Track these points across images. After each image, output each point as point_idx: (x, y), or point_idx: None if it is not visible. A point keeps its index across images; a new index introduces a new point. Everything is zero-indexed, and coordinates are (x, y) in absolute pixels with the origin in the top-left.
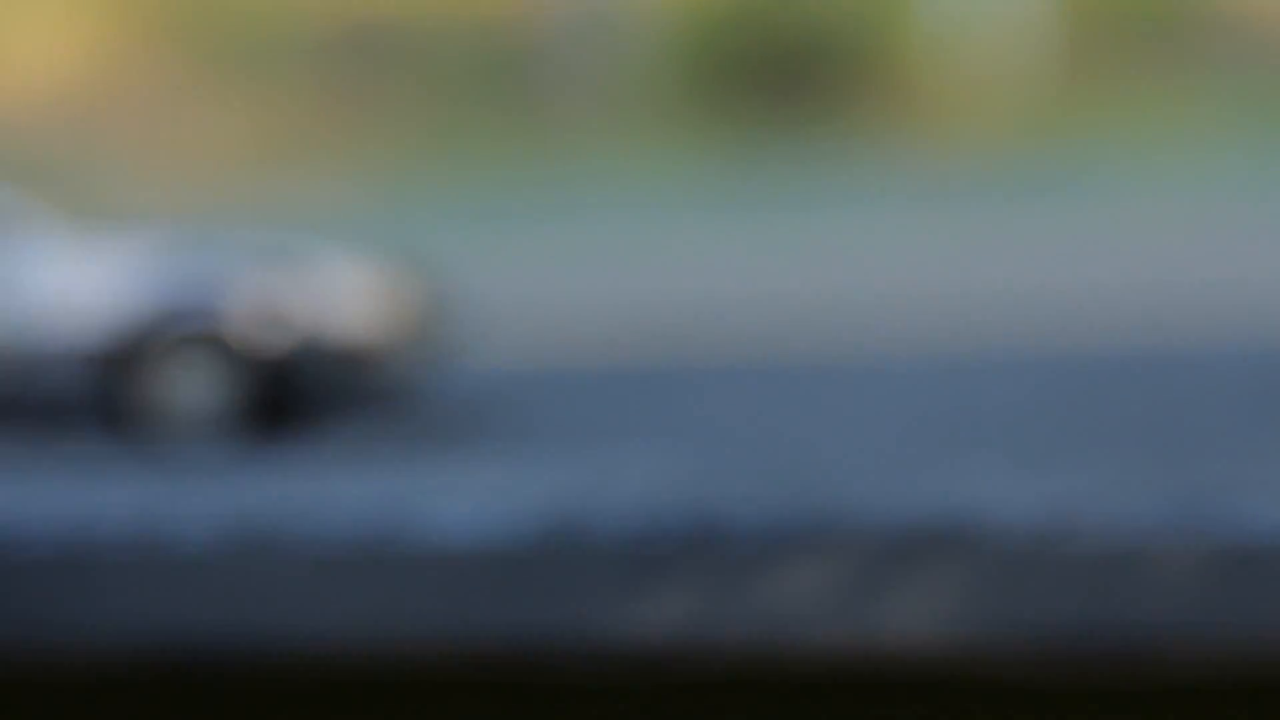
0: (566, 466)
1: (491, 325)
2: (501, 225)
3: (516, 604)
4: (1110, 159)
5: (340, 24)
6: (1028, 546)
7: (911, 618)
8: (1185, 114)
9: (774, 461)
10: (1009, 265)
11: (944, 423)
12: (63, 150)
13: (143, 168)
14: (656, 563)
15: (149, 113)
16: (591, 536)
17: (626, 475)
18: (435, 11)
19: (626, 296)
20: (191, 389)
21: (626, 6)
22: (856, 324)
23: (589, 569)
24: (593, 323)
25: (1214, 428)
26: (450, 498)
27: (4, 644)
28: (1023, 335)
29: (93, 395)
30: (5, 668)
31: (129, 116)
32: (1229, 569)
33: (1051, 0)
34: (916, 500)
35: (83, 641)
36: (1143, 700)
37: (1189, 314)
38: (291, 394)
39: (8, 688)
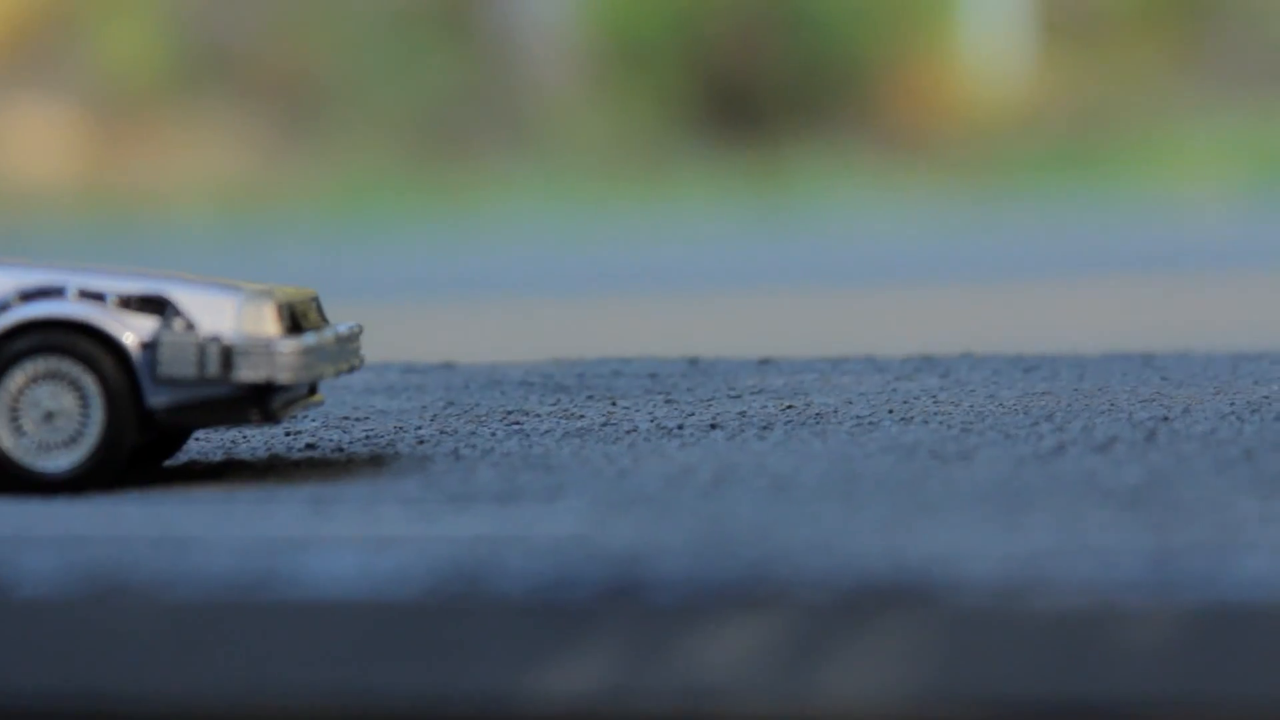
0: (467, 510)
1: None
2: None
3: (403, 661)
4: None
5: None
6: (988, 603)
7: (856, 683)
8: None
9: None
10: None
11: (900, 463)
12: None
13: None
14: (566, 617)
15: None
16: (492, 586)
17: (537, 523)
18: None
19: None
20: (58, 403)
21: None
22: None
23: (487, 623)
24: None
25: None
26: (333, 545)
27: None
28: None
29: None
30: None
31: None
32: (1208, 629)
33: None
34: (864, 550)
35: None
36: None
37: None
38: (162, 421)
39: None
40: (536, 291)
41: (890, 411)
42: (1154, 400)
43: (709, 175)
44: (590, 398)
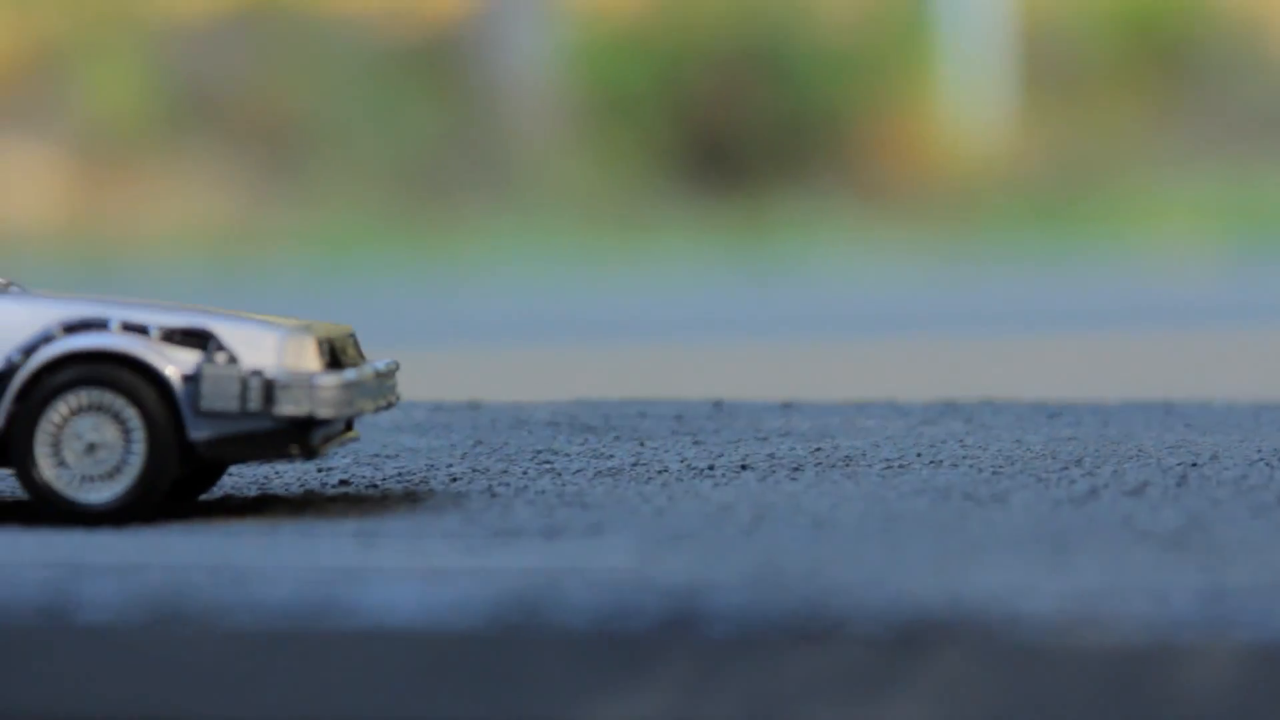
0: (526, 541)
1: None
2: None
3: (463, 692)
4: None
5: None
6: (1039, 639)
7: (913, 716)
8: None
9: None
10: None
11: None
12: None
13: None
14: (625, 648)
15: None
16: (553, 617)
17: (595, 555)
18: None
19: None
20: (99, 435)
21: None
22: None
23: (547, 654)
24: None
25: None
26: (388, 576)
27: None
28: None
29: None
30: None
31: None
32: (1263, 667)
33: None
34: (916, 586)
35: None
36: None
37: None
38: (203, 454)
39: None
40: (519, 337)
41: (919, 455)
42: (1180, 447)
43: (692, 224)
44: (617, 438)
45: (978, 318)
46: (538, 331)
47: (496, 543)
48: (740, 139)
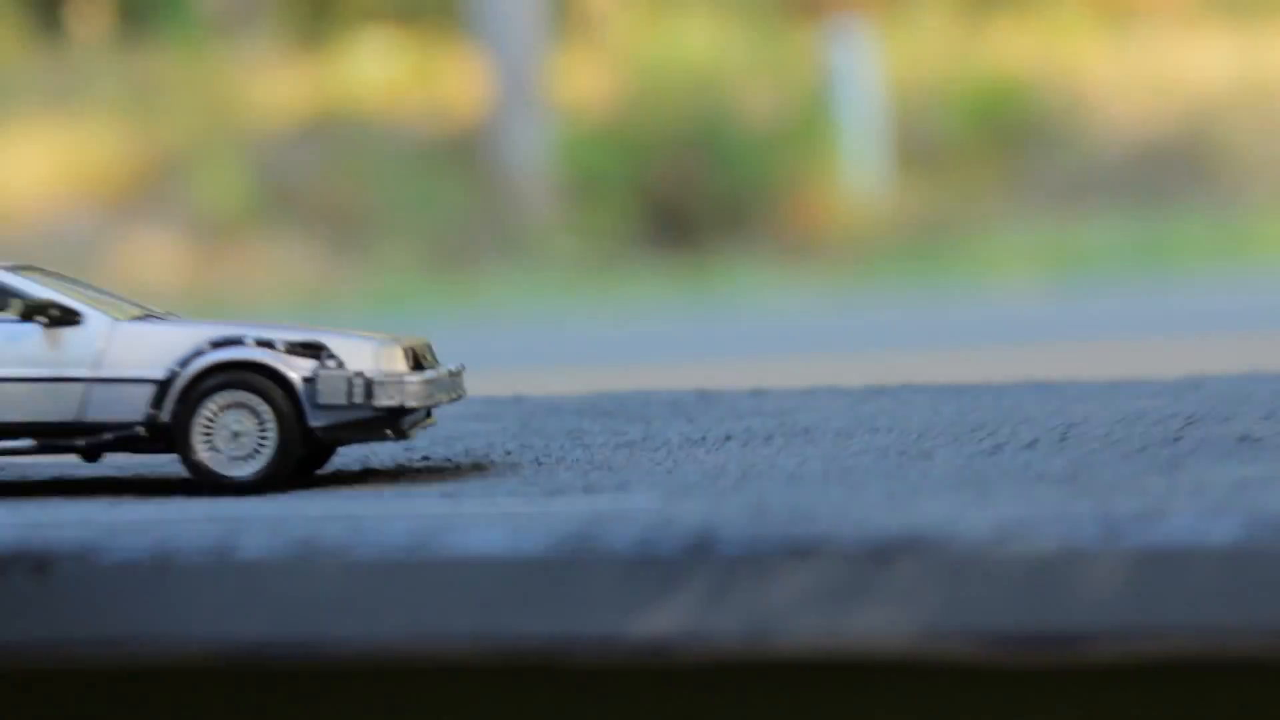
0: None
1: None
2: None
3: (542, 603)
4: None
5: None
6: (975, 552)
7: (879, 611)
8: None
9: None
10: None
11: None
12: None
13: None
14: (659, 565)
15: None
16: (602, 546)
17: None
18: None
19: None
20: (241, 426)
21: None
22: None
23: (601, 572)
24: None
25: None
26: (473, 520)
27: (98, 637)
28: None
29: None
30: (98, 657)
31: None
32: (1146, 571)
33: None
34: (875, 517)
35: (164, 636)
36: (1072, 676)
37: None
38: (320, 439)
39: (98, 675)
40: (529, 359)
41: (859, 425)
42: (1058, 413)
43: (655, 274)
44: (629, 419)
45: (870, 336)
46: (543, 354)
47: (549, 496)
48: (690, 208)
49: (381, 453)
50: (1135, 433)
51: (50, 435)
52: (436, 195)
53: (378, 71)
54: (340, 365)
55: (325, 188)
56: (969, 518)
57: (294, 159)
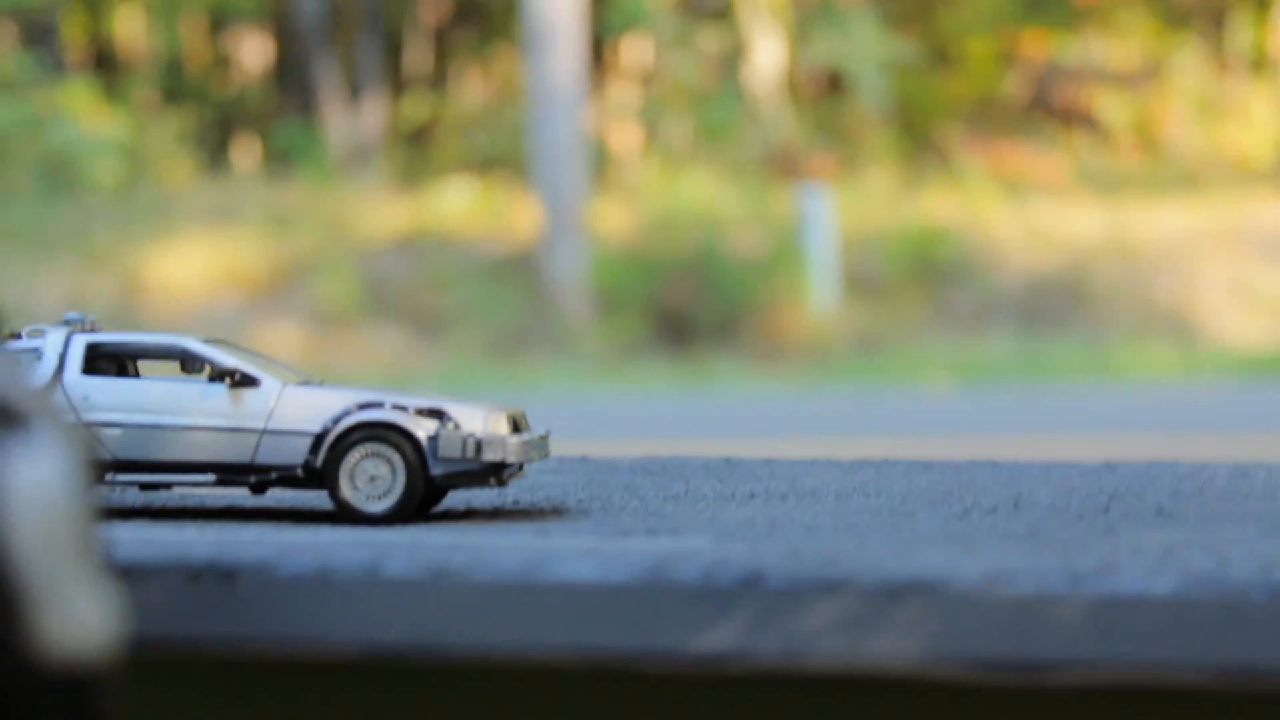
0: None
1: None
2: None
3: (623, 621)
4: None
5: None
6: (968, 594)
7: (890, 639)
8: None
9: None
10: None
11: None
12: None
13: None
14: (717, 595)
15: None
16: (671, 577)
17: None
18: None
19: None
20: (377, 471)
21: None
22: None
23: (672, 599)
24: None
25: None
26: (565, 553)
27: (273, 635)
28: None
29: (311, 465)
30: (272, 652)
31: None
32: (1104, 615)
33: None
34: (885, 561)
35: (324, 637)
36: (1044, 695)
37: None
38: (438, 484)
39: (270, 666)
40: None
41: (854, 489)
42: (1007, 486)
43: (662, 367)
44: (671, 478)
45: (823, 421)
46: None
47: (621, 536)
48: (690, 317)
49: (480, 497)
50: (1073, 503)
51: (228, 473)
52: (498, 300)
53: (457, 205)
54: (457, 427)
55: (413, 291)
56: (960, 566)
57: (390, 268)
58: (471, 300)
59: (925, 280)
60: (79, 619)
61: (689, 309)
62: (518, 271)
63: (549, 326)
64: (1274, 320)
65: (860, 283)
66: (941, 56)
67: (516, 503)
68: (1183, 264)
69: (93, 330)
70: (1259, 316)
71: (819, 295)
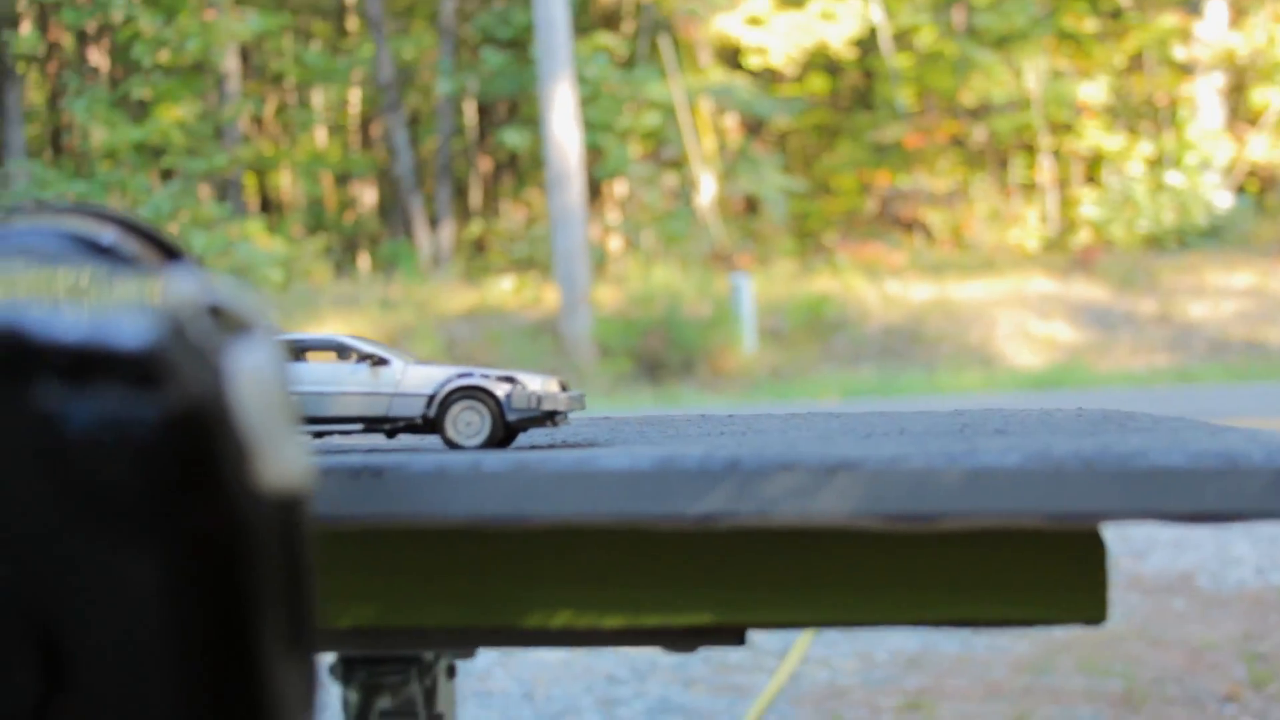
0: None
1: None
2: None
3: (646, 495)
4: None
5: None
6: (880, 470)
7: (830, 501)
8: None
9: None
10: None
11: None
12: None
13: None
14: (709, 475)
15: None
16: (680, 465)
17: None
18: None
19: None
20: (471, 419)
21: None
22: None
23: (680, 478)
24: None
25: None
26: (608, 453)
27: (407, 513)
28: None
29: (428, 419)
30: (406, 523)
31: None
32: (971, 480)
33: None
34: (824, 451)
35: (441, 511)
36: (926, 537)
37: None
38: (513, 427)
39: (404, 534)
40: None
41: (791, 428)
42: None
43: (644, 392)
44: (667, 426)
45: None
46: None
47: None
48: (660, 359)
49: (538, 436)
50: (937, 427)
51: (371, 423)
52: (532, 352)
53: (504, 291)
54: (524, 387)
55: (476, 348)
56: (873, 453)
57: (461, 333)
58: (515, 353)
59: (816, 331)
60: (286, 463)
61: (660, 354)
62: (545, 333)
63: (569, 368)
64: (1044, 352)
65: (772, 334)
66: (823, 187)
67: (565, 441)
68: (984, 317)
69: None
70: (1035, 350)
71: (746, 343)
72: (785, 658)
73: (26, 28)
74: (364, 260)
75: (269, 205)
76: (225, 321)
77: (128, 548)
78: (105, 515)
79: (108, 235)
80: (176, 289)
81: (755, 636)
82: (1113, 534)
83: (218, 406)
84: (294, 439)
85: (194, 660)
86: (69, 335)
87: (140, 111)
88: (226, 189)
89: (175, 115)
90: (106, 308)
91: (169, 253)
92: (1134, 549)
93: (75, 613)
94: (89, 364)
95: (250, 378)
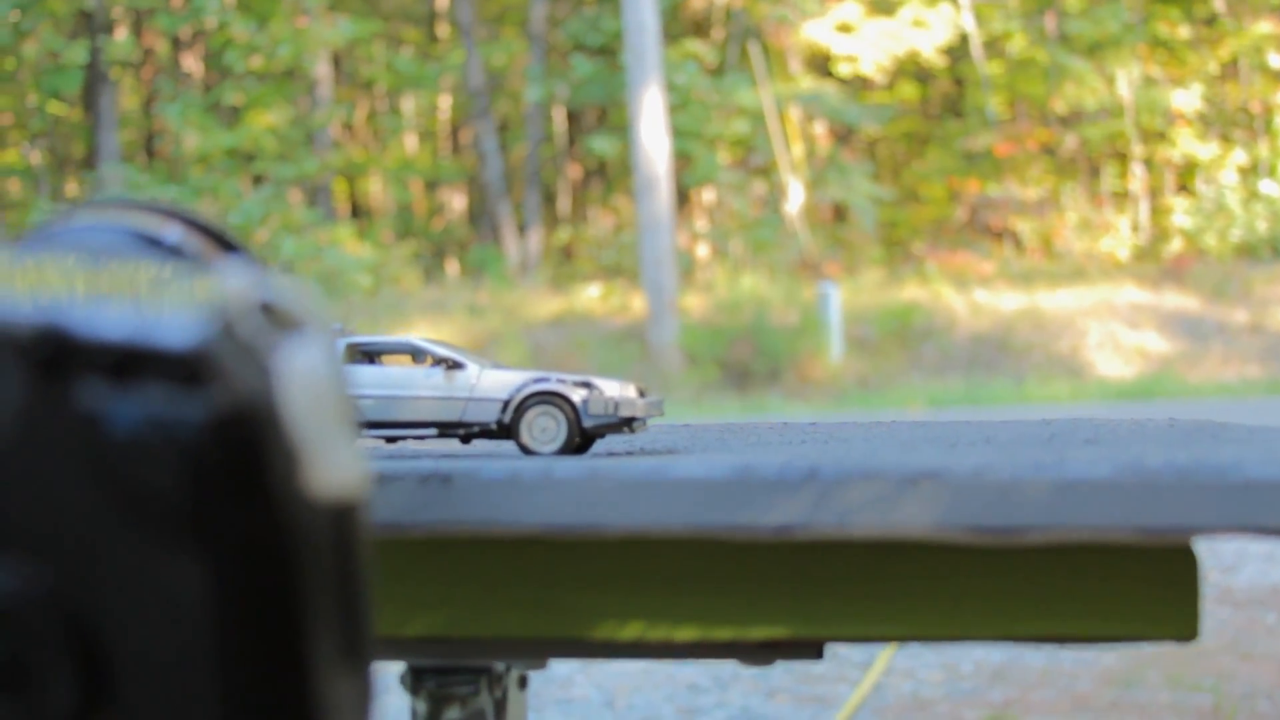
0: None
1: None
2: None
3: (723, 504)
4: None
5: None
6: (964, 481)
7: (911, 513)
8: None
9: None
10: None
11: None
12: None
13: None
14: (788, 485)
15: None
16: (758, 474)
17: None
18: None
19: None
20: (546, 424)
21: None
22: None
23: (757, 488)
24: None
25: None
26: (683, 462)
27: (477, 519)
28: None
29: (502, 424)
30: (475, 532)
31: None
32: (1058, 492)
33: None
34: (907, 460)
35: (511, 518)
36: (1016, 551)
37: None
38: (589, 433)
39: (473, 542)
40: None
41: (874, 438)
42: (980, 431)
43: (730, 401)
44: (749, 434)
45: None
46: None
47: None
48: (747, 366)
49: (616, 443)
50: (1026, 436)
51: (445, 428)
52: (620, 358)
53: (592, 297)
54: (601, 393)
55: (564, 354)
56: (957, 464)
57: (548, 340)
58: (602, 359)
59: (903, 341)
60: (339, 467)
61: (747, 362)
62: (633, 340)
63: (654, 375)
64: (1134, 362)
65: (859, 343)
66: (911, 195)
67: (642, 448)
68: (1074, 326)
69: (348, 335)
70: (1125, 360)
71: (833, 352)
72: (869, 669)
73: (122, 33)
74: (452, 266)
75: (359, 211)
76: (278, 319)
77: (170, 553)
78: (147, 519)
79: (171, 232)
80: (227, 285)
81: (837, 646)
82: (1202, 547)
83: (267, 407)
84: (349, 443)
85: (240, 671)
86: (113, 332)
87: (232, 117)
88: (316, 195)
89: (267, 121)
90: (154, 304)
91: (231, 249)
92: (1224, 563)
93: (117, 621)
94: (133, 362)
95: (303, 378)
